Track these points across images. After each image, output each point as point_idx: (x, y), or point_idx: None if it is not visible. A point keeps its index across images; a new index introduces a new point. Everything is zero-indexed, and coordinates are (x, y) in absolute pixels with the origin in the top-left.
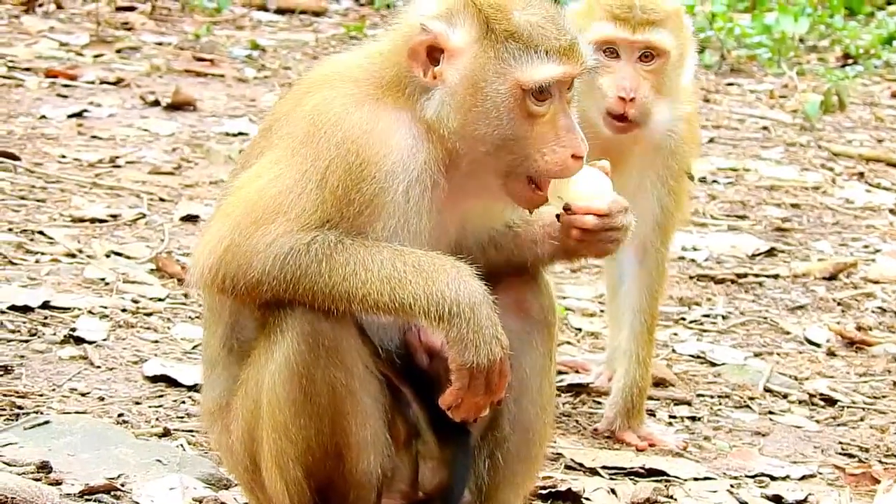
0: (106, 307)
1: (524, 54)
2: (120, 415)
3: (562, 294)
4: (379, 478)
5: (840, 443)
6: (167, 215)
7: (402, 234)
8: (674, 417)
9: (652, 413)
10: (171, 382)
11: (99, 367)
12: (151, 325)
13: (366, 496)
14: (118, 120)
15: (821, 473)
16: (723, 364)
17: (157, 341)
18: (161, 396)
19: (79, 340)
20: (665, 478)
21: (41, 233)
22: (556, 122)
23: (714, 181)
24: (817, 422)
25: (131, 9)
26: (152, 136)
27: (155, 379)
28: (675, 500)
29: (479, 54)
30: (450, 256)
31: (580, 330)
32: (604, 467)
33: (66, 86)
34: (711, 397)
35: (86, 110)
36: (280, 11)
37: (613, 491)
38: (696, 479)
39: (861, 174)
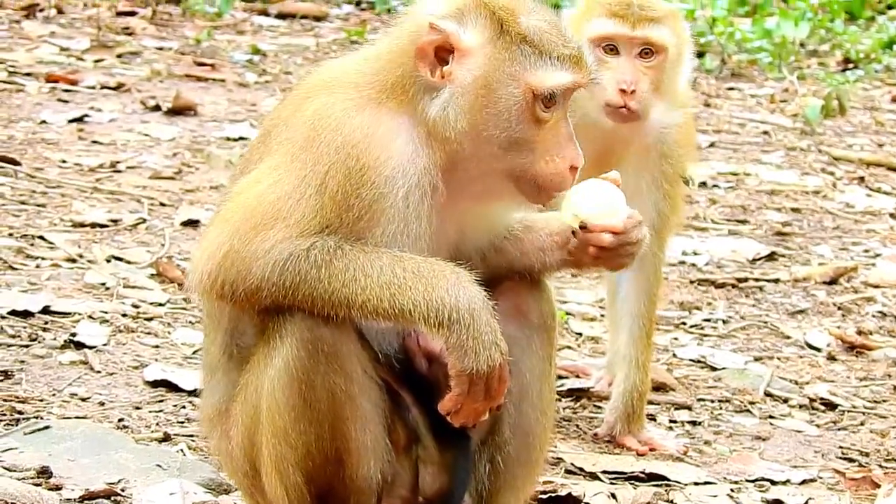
0: (106, 312)
1: (537, 59)
2: (120, 420)
3: (562, 298)
4: (379, 483)
5: (840, 447)
6: (168, 220)
7: (401, 240)
8: (674, 422)
9: (652, 417)
10: (172, 387)
11: (99, 372)
12: (152, 330)
13: (366, 501)
14: (119, 125)
15: (821, 478)
16: (723, 368)
17: (157, 346)
18: (161, 401)
19: (79, 345)
20: (665, 482)
21: (41, 238)
22: (558, 130)
23: (714, 185)
24: (818, 426)
25: (132, 14)
26: (153, 140)
27: (155, 384)
28: None
29: (492, 55)
30: (449, 262)
31: (580, 334)
32: (604, 472)
33: (66, 91)
34: (712, 402)
35: (86, 115)
36: (281, 16)
37: (614, 495)
38: (696, 484)
39: (861, 178)
